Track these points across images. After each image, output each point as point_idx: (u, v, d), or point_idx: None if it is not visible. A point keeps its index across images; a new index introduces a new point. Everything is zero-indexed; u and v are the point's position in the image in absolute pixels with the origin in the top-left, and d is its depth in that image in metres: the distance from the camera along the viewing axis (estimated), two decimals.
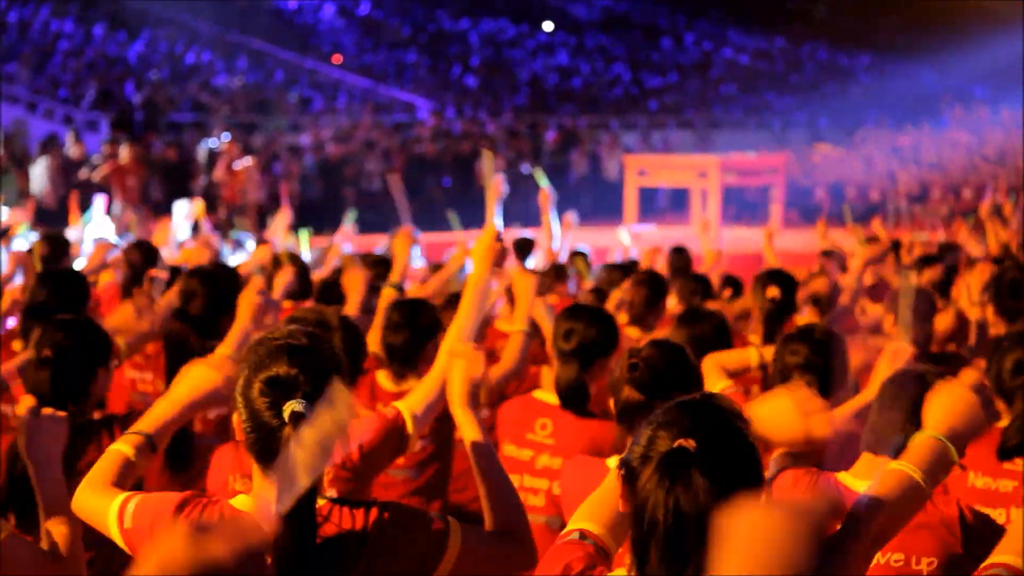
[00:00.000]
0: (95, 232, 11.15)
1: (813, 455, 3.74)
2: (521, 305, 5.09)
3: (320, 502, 2.55)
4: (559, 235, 9.17)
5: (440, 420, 4.68)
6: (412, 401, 3.67)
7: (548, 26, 36.01)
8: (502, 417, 4.79)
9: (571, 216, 11.16)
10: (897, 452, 3.11)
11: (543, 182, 9.10)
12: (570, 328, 4.56)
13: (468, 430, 3.04)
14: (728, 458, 2.17)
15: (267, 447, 2.51)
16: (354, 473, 3.69)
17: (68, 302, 5.51)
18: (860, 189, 24.99)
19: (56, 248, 8.13)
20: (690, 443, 2.15)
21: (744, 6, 39.33)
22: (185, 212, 12.17)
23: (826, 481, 3.28)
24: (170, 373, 4.91)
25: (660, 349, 3.69)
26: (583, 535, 2.49)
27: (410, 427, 3.62)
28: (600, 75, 34.00)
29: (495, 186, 6.70)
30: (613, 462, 3.54)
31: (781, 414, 2.72)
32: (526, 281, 5.13)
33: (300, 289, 7.19)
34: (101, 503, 2.80)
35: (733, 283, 8.08)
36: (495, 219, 4.19)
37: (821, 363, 4.16)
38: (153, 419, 3.08)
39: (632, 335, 6.22)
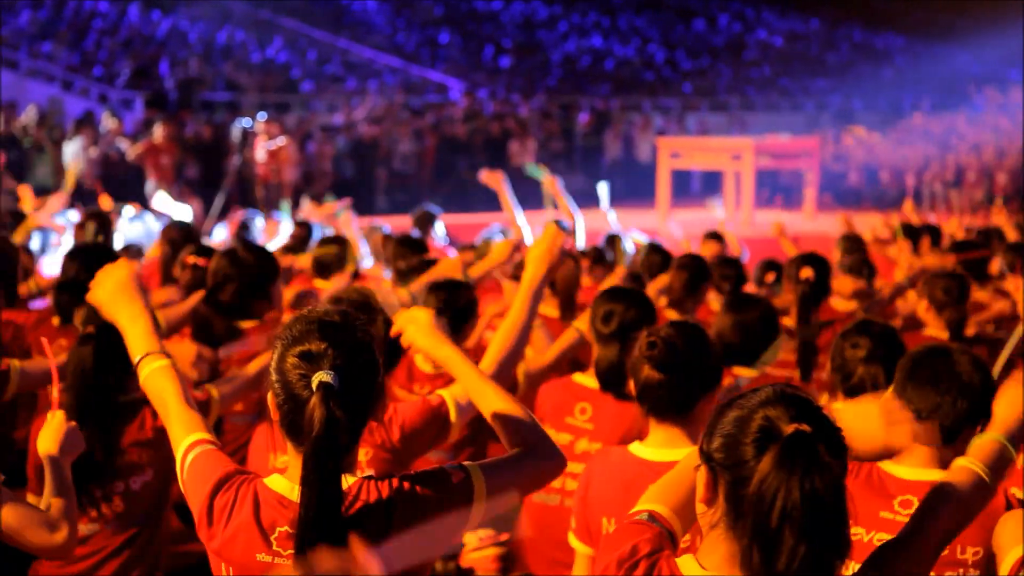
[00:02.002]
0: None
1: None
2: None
3: (350, 480, 2.58)
4: (580, 215, 9.11)
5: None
6: (458, 390, 3.65)
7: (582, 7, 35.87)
8: (541, 400, 4.77)
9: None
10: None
11: (539, 174, 9.03)
12: (610, 310, 4.55)
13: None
14: (835, 437, 2.19)
15: (299, 422, 2.53)
16: (393, 455, 3.70)
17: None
18: (894, 173, 24.87)
19: (103, 225, 8.21)
20: (806, 427, 2.14)
21: None
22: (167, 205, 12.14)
23: (869, 470, 3.26)
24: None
25: (678, 328, 3.66)
26: (652, 517, 2.48)
27: (453, 416, 3.63)
28: (633, 57, 33.91)
29: (551, 184, 6.69)
30: (636, 448, 3.55)
31: (867, 422, 2.72)
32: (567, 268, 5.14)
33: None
34: (181, 432, 2.83)
35: (775, 267, 7.98)
36: (556, 221, 4.17)
37: (884, 355, 4.09)
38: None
39: (671, 318, 6.22)
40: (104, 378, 4.06)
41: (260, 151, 20.01)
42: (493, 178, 8.31)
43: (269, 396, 2.64)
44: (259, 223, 11.15)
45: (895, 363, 4.09)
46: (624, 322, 4.51)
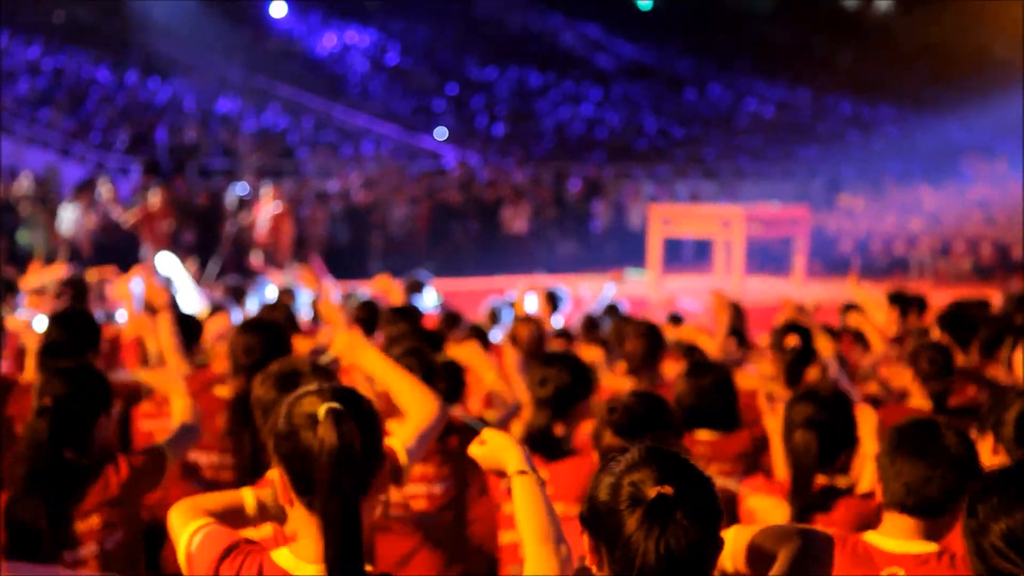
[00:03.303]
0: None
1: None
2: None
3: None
4: (603, 304, 9.22)
5: (455, 461, 4.83)
6: (404, 436, 3.73)
7: (574, 76, 36.06)
8: (493, 481, 4.83)
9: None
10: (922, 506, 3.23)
11: (640, 274, 9.17)
12: (544, 376, 4.69)
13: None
14: (701, 499, 2.30)
15: (308, 470, 2.59)
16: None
17: (80, 342, 5.65)
18: (884, 242, 25.05)
19: (78, 291, 8.32)
20: (668, 489, 2.26)
21: (768, 57, 39.50)
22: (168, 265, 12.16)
23: (855, 542, 3.32)
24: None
25: (638, 396, 3.86)
26: None
27: (403, 459, 3.66)
28: (625, 125, 34.17)
29: None
30: None
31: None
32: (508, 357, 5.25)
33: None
34: (184, 523, 2.84)
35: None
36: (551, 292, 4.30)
37: (826, 421, 4.20)
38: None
39: (626, 386, 6.30)
40: (60, 451, 4.03)
41: (263, 217, 20.04)
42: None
43: (273, 473, 2.70)
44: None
45: (835, 433, 4.20)
46: (558, 388, 4.65)
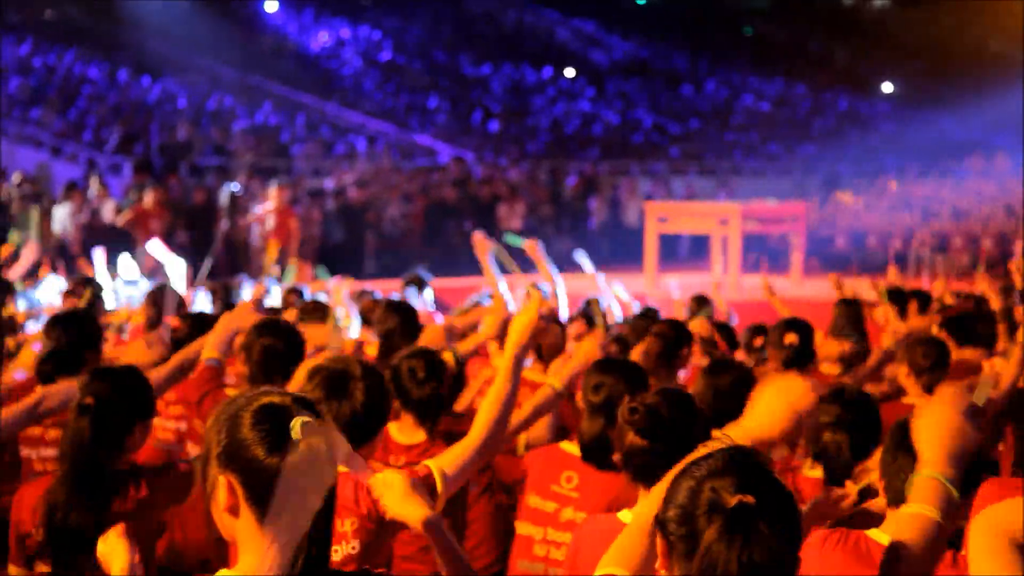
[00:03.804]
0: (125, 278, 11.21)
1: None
2: (571, 364, 5.06)
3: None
4: (560, 279, 9.17)
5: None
6: (444, 461, 3.65)
7: (570, 72, 36.09)
8: (528, 467, 4.79)
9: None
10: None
11: (519, 242, 9.04)
12: (599, 382, 4.58)
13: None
14: (782, 509, 2.26)
15: (270, 486, 2.40)
16: (379, 526, 3.67)
17: (81, 344, 5.57)
18: (881, 238, 24.95)
19: (96, 292, 8.24)
20: (749, 498, 2.22)
21: (765, 53, 39.43)
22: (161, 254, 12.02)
23: (857, 538, 3.28)
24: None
25: (660, 394, 3.73)
26: None
27: (440, 486, 3.58)
28: (621, 121, 34.09)
29: (533, 248, 6.72)
30: (626, 516, 3.54)
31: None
32: (590, 344, 5.15)
33: None
34: None
35: (763, 331, 7.97)
36: (535, 285, 4.23)
37: (852, 422, 4.22)
38: None
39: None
40: (100, 451, 4.00)
41: (269, 218, 19.88)
42: (480, 245, 8.35)
43: (219, 493, 2.47)
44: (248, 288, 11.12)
45: (864, 431, 4.15)
46: (612, 394, 4.50)
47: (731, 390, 5.11)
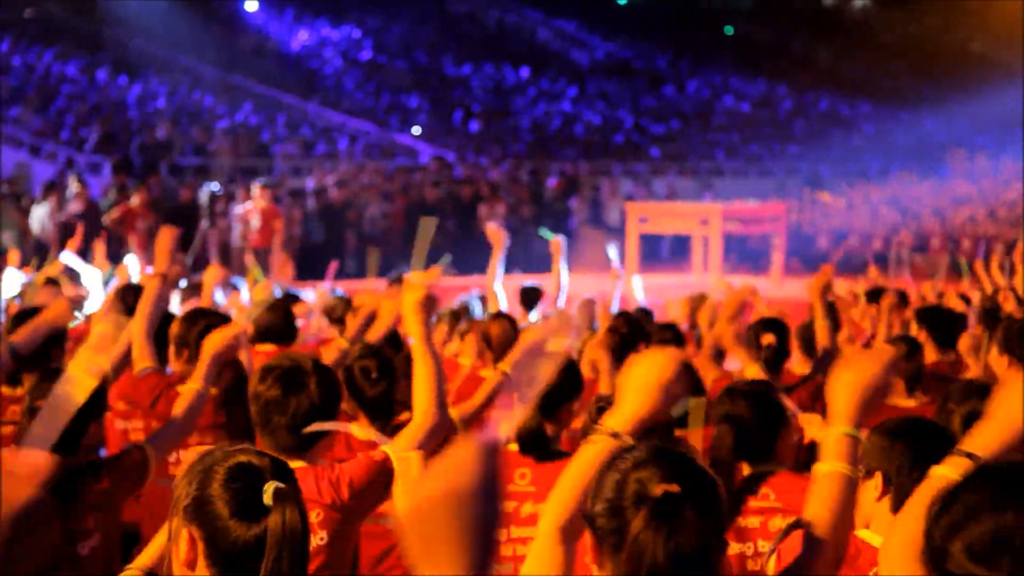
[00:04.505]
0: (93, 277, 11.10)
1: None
2: (513, 351, 5.08)
3: None
4: (567, 285, 9.19)
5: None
6: (401, 445, 3.76)
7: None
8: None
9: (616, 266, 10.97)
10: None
11: (550, 235, 9.14)
12: None
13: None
14: (707, 497, 2.27)
15: (226, 552, 2.43)
16: (344, 514, 3.71)
17: (44, 343, 5.53)
18: (862, 238, 25.00)
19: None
20: (675, 487, 2.22)
21: (747, 53, 39.50)
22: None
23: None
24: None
25: None
26: None
27: (398, 468, 3.70)
28: (602, 121, 34.10)
29: (557, 246, 6.79)
30: None
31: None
32: (535, 331, 5.19)
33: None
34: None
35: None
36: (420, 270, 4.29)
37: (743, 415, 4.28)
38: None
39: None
40: (56, 453, 3.97)
41: (254, 218, 19.80)
42: (496, 236, 8.41)
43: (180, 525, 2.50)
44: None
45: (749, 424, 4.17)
46: (547, 390, 4.52)
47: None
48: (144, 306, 5.43)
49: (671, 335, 7.43)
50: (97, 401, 4.18)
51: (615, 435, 2.58)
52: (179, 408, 4.42)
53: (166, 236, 5.55)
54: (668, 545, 2.19)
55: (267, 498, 2.41)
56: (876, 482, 3.37)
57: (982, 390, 3.98)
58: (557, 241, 8.95)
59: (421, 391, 3.92)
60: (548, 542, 2.52)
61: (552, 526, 2.52)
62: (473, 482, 1.55)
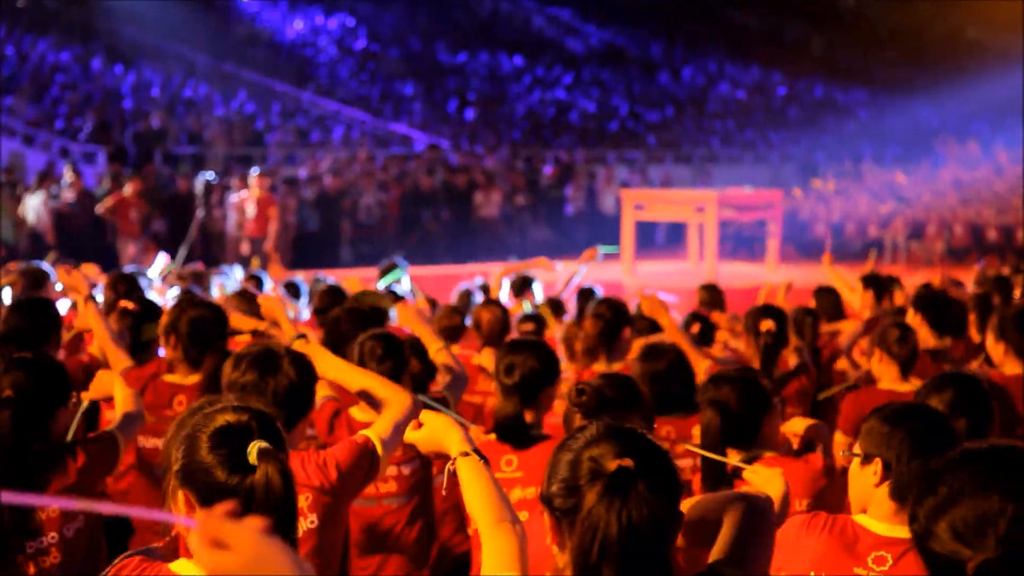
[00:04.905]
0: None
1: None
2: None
3: None
4: (573, 287, 9.29)
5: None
6: (379, 428, 3.84)
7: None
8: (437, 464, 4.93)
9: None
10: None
11: (614, 250, 9.28)
12: (511, 362, 4.65)
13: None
14: (661, 471, 2.29)
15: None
16: (333, 496, 3.76)
17: (40, 330, 5.71)
18: (857, 225, 25.02)
19: (34, 280, 8.21)
20: (628, 462, 2.25)
21: (741, 41, 39.48)
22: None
23: (844, 525, 3.30)
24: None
25: (607, 378, 3.91)
26: None
27: (380, 450, 3.77)
28: (597, 109, 34.08)
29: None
30: None
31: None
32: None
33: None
34: None
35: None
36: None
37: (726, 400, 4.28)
38: None
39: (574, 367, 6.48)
40: (21, 441, 4.06)
41: (250, 206, 19.77)
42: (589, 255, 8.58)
43: (175, 485, 2.59)
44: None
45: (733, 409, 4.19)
46: (525, 374, 4.61)
47: (667, 373, 5.25)
48: (95, 325, 5.73)
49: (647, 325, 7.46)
50: (61, 390, 4.25)
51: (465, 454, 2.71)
52: (132, 403, 4.51)
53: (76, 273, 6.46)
54: (621, 518, 2.20)
55: (252, 458, 2.49)
56: (875, 467, 3.35)
57: (957, 379, 4.07)
58: (595, 251, 9.07)
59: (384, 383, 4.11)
60: (490, 531, 2.56)
61: (488, 523, 2.56)
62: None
